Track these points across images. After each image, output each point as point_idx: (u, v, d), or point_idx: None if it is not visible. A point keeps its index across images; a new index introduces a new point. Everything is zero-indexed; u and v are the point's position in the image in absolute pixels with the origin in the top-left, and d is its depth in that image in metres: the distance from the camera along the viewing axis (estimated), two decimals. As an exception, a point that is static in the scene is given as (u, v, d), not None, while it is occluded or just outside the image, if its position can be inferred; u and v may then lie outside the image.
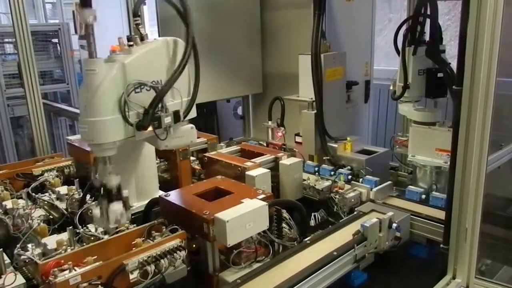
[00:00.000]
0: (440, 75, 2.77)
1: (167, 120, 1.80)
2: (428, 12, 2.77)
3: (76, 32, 7.00)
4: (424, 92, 2.89)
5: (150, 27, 3.93)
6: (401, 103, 2.99)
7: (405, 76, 2.84)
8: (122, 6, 6.48)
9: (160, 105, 1.77)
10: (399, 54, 2.94)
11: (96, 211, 1.79)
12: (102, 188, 1.73)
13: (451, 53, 2.89)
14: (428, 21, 2.84)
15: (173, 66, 1.88)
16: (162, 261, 1.65)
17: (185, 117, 1.93)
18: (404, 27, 3.08)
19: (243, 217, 1.80)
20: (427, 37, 2.86)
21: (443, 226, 2.07)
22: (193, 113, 2.03)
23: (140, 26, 1.87)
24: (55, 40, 6.56)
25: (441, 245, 2.04)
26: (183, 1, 1.81)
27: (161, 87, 1.79)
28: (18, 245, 1.86)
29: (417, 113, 2.86)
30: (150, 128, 1.77)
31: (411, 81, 2.84)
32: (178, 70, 1.81)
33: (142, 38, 1.86)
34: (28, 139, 6.25)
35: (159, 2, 3.94)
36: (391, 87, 3.06)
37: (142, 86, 1.77)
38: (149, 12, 3.78)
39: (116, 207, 1.74)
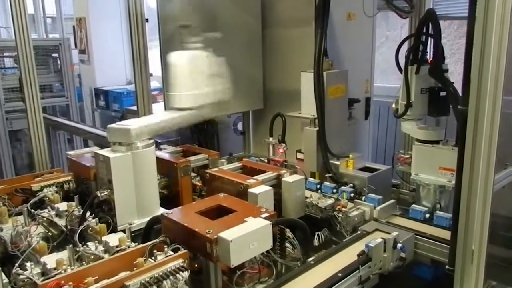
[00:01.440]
0: (443, 93, 2.78)
1: None
2: (430, 32, 2.79)
3: (76, 46, 7.04)
4: (426, 111, 2.90)
5: (149, 42, 3.95)
6: (403, 121, 2.99)
7: (408, 94, 2.84)
8: (122, 19, 6.55)
9: None
10: (401, 72, 2.95)
11: None
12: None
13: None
14: (430, 40, 2.86)
15: None
16: (164, 282, 1.62)
17: None
18: (405, 45, 3.10)
19: (247, 236, 1.77)
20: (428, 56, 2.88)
21: (447, 246, 2.05)
22: None
23: None
24: (55, 55, 6.58)
25: (447, 266, 2.01)
26: None
27: None
28: (16, 264, 1.81)
29: (420, 132, 2.86)
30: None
31: (413, 99, 2.84)
32: None
33: None
34: (26, 153, 6.21)
35: (161, 20, 3.96)
36: (393, 105, 3.06)
37: None
38: (149, 27, 3.82)
39: None
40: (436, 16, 2.75)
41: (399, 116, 2.95)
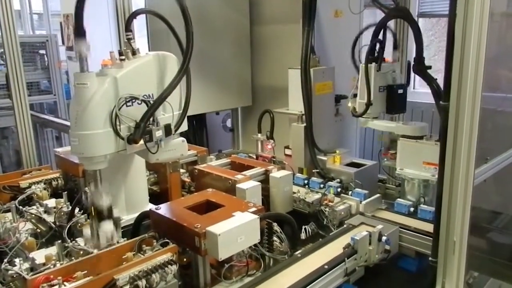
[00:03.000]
0: (400, 91, 2.84)
1: (158, 133, 1.82)
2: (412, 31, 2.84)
3: (63, 43, 6.97)
4: (383, 108, 2.98)
5: (138, 39, 3.94)
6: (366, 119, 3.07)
7: (369, 93, 2.91)
8: (110, 19, 6.50)
9: (151, 119, 1.77)
10: (357, 71, 3.04)
11: (87, 231, 1.78)
12: (92, 208, 1.73)
13: (435, 68, 2.97)
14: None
15: (163, 80, 1.90)
16: (153, 275, 1.64)
17: (176, 130, 1.94)
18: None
19: (235, 230, 1.80)
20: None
21: (431, 238, 2.10)
22: (184, 127, 2.04)
23: (131, 41, 1.90)
24: (42, 51, 6.52)
25: (430, 258, 2.06)
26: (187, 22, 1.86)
27: (153, 101, 1.79)
28: (5, 260, 1.82)
29: (404, 127, 2.91)
30: (141, 142, 1.77)
31: (372, 98, 2.92)
32: (172, 85, 1.82)
33: (134, 52, 1.89)
34: (13, 151, 6.15)
35: (149, 16, 3.95)
36: (349, 104, 3.15)
37: (134, 100, 1.78)
38: (137, 24, 3.80)
39: (107, 226, 1.74)
40: (409, 13, 2.81)
41: (358, 115, 3.03)
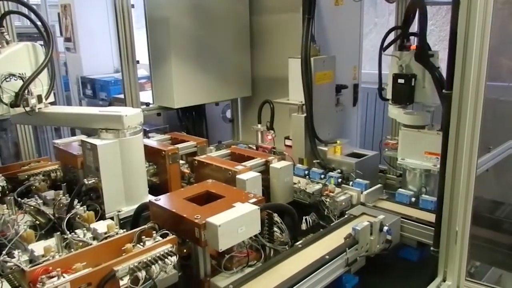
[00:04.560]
0: (400, 81, 2.80)
1: (33, 100, 2.29)
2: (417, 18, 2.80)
3: (61, 34, 6.91)
4: None
5: (136, 30, 3.89)
6: (392, 105, 3.01)
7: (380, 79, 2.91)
8: (108, 5, 6.44)
9: (26, 91, 2.23)
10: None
11: None
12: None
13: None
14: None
15: (33, 62, 2.39)
16: (153, 267, 1.62)
17: (46, 99, 2.44)
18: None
19: (235, 221, 1.79)
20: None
21: (433, 228, 2.08)
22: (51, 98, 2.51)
23: (4, 34, 2.35)
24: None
25: (432, 248, 2.05)
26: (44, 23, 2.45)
27: (27, 78, 2.24)
28: (4, 252, 1.81)
29: (406, 117, 2.89)
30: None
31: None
32: (41, 66, 2.33)
33: (8, 42, 2.34)
34: (12, 143, 6.12)
35: (148, 6, 3.91)
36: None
37: (12, 76, 2.20)
38: (135, 14, 3.77)
39: None
40: (423, 2, 2.76)
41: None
